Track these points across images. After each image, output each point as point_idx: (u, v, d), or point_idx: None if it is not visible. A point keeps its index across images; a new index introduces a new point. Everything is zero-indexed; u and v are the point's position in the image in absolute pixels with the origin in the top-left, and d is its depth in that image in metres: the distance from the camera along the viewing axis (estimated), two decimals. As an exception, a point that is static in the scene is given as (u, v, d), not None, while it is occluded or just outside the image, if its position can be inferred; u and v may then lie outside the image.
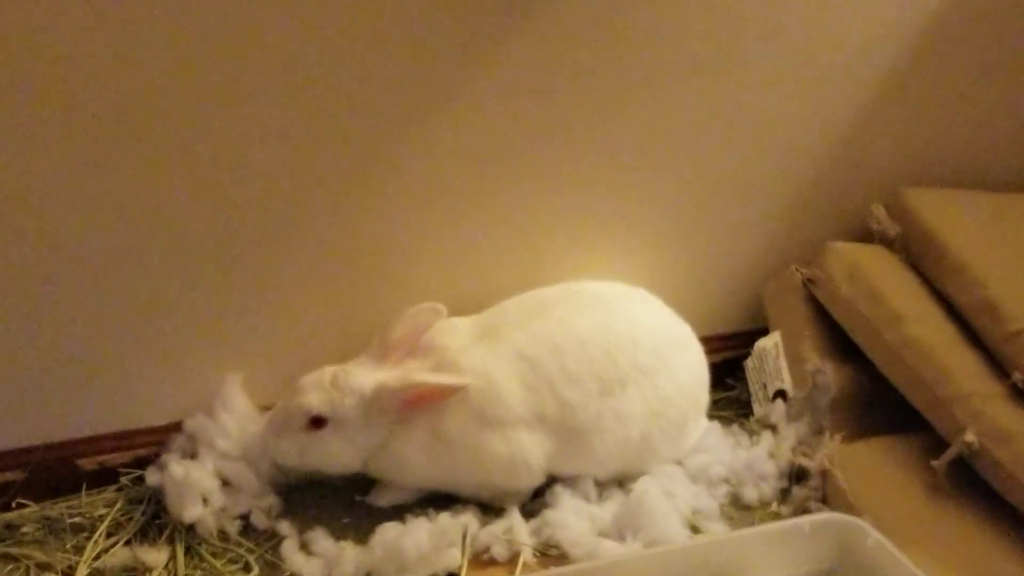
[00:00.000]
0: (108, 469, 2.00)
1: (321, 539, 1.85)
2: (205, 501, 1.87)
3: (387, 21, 1.86)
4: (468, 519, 1.88)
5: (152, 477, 1.93)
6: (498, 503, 1.94)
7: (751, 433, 2.14)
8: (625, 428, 1.96)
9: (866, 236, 2.27)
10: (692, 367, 2.09)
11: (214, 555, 1.84)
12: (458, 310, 1.99)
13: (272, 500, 1.93)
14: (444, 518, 1.86)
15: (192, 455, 1.94)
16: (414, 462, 1.90)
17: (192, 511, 1.85)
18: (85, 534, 1.89)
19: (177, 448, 1.97)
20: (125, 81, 1.77)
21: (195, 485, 1.86)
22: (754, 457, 2.03)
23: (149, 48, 1.76)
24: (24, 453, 1.96)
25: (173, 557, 1.83)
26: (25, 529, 1.90)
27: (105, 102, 1.77)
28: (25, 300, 1.87)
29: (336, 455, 1.88)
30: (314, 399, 1.85)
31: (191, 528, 1.87)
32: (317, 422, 1.85)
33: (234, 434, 1.96)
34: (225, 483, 1.91)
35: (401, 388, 1.83)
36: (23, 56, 1.70)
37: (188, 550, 1.85)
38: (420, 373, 1.87)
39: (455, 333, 1.95)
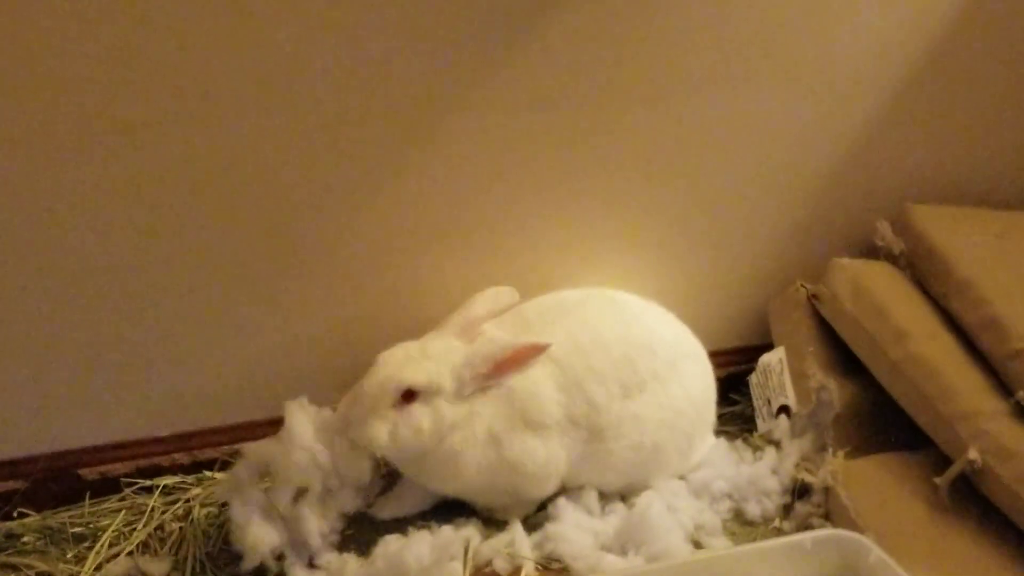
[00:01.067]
0: (110, 479, 2.00)
1: (324, 551, 1.85)
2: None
3: (393, 36, 1.86)
4: (470, 532, 1.88)
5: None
6: (507, 513, 1.94)
7: (755, 448, 2.14)
8: (640, 433, 1.96)
9: (871, 253, 2.27)
10: (703, 381, 2.10)
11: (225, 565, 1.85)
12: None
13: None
14: (446, 531, 1.86)
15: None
16: (467, 462, 1.87)
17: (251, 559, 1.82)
18: (87, 544, 1.90)
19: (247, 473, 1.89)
20: (130, 87, 1.77)
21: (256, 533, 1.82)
22: (757, 473, 2.03)
23: (157, 55, 1.76)
24: (26, 462, 1.96)
25: (178, 569, 1.83)
26: (26, 538, 1.90)
27: (107, 107, 1.78)
28: (27, 310, 1.88)
29: (427, 430, 1.82)
30: (408, 371, 1.80)
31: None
32: (409, 396, 1.81)
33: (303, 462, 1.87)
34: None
35: (499, 349, 1.84)
36: (26, 62, 1.71)
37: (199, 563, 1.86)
38: (505, 337, 1.88)
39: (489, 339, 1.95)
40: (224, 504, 1.91)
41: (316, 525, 1.84)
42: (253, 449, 1.88)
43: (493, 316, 1.94)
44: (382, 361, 1.83)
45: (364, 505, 1.96)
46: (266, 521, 1.82)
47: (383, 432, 1.80)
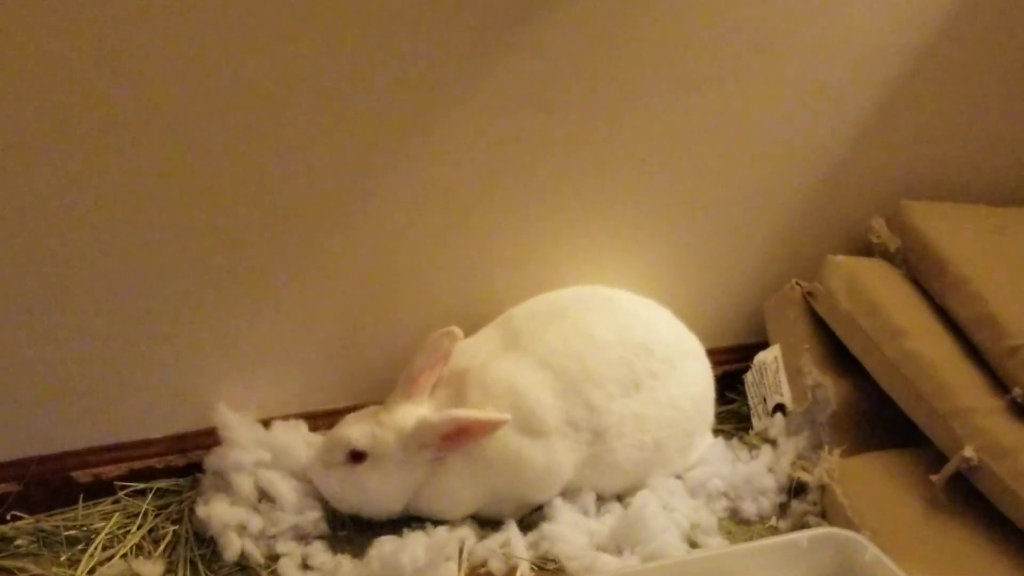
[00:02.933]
0: (103, 481, 1.99)
1: (319, 553, 1.85)
2: (242, 529, 1.86)
3: (389, 35, 1.86)
4: (465, 533, 1.87)
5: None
6: (511, 516, 1.93)
7: (750, 447, 2.14)
8: (642, 432, 1.96)
9: (866, 250, 2.27)
10: (702, 379, 2.10)
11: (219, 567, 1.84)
12: (461, 322, 1.98)
13: (315, 515, 1.91)
14: (441, 532, 1.86)
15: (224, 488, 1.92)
16: (460, 491, 1.89)
17: (231, 550, 1.84)
18: (80, 547, 1.88)
19: (207, 487, 1.94)
20: (125, 87, 1.76)
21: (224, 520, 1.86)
22: (753, 471, 2.03)
23: (154, 57, 1.76)
24: (19, 465, 1.95)
25: (171, 571, 1.83)
26: (19, 542, 1.89)
27: (102, 110, 1.77)
28: (19, 312, 1.87)
29: (374, 492, 1.86)
30: (354, 432, 1.85)
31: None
32: (356, 456, 1.85)
33: (249, 446, 1.94)
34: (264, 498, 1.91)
35: (442, 423, 1.82)
36: (25, 62, 1.70)
37: (192, 565, 1.85)
38: (462, 409, 1.86)
39: (473, 353, 1.95)
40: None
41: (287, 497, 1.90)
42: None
43: (440, 363, 1.92)
44: (344, 419, 1.91)
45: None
46: (233, 505, 1.88)
47: (334, 484, 1.87)
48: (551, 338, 1.93)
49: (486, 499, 1.92)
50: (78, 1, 1.68)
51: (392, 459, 1.85)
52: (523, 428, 1.87)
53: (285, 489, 1.90)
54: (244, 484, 1.89)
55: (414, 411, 1.87)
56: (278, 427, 1.99)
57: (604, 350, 1.94)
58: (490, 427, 1.83)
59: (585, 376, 1.91)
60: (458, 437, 1.83)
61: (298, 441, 1.98)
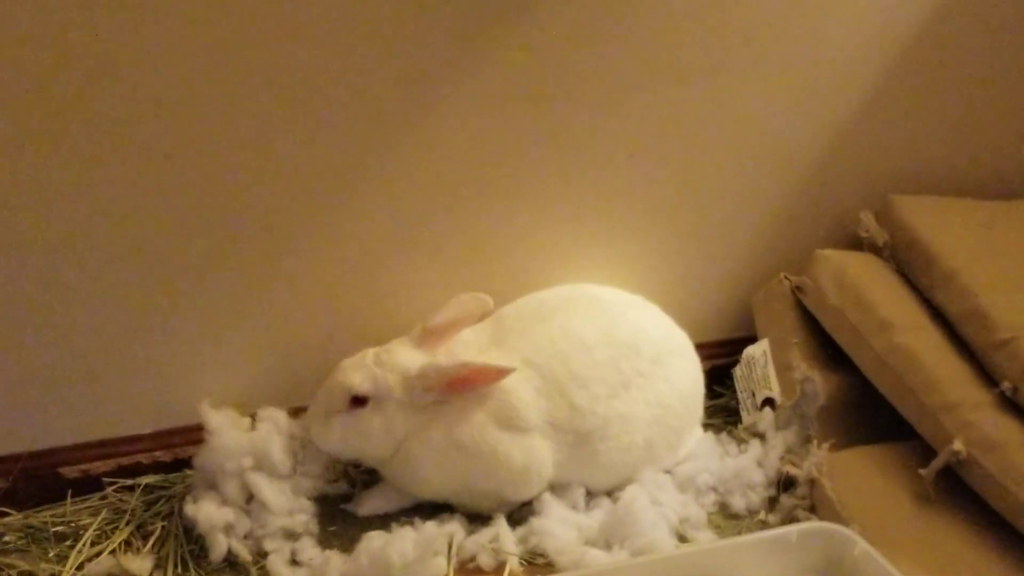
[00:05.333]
0: (91, 477, 1.99)
1: (307, 548, 1.85)
2: (229, 529, 1.86)
3: (378, 27, 1.86)
4: (454, 528, 1.87)
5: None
6: (492, 512, 1.93)
7: (739, 441, 2.14)
8: (629, 433, 1.96)
9: (855, 244, 2.27)
10: (690, 375, 2.10)
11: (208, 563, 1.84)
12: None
13: (304, 517, 1.91)
14: (430, 527, 1.85)
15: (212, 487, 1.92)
16: (428, 467, 1.89)
17: (218, 550, 1.84)
18: (68, 543, 1.88)
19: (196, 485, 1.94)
20: (116, 86, 1.76)
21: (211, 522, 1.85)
22: (742, 465, 2.03)
23: (147, 56, 1.76)
24: (7, 461, 1.95)
25: (160, 567, 1.82)
26: (7, 538, 1.89)
27: (91, 108, 1.77)
28: (8, 309, 1.86)
29: (376, 436, 1.86)
30: (356, 377, 1.84)
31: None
32: (358, 401, 1.84)
33: (234, 448, 1.93)
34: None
35: (451, 367, 1.82)
36: (24, 61, 1.70)
37: (181, 561, 1.85)
38: (470, 354, 1.87)
39: (464, 346, 1.94)
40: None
41: (275, 501, 1.89)
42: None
43: (461, 324, 1.93)
44: (340, 366, 1.88)
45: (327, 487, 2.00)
46: (221, 506, 1.87)
47: (333, 434, 1.86)
48: (538, 339, 1.93)
49: (457, 488, 1.91)
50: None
51: (395, 400, 1.84)
52: (503, 423, 1.87)
53: (272, 492, 1.89)
54: (231, 486, 1.89)
55: (419, 357, 1.86)
56: (263, 426, 1.97)
57: (591, 351, 1.94)
58: (495, 374, 1.83)
59: (570, 377, 1.91)
60: (462, 383, 1.83)
61: (284, 440, 1.97)
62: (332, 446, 1.88)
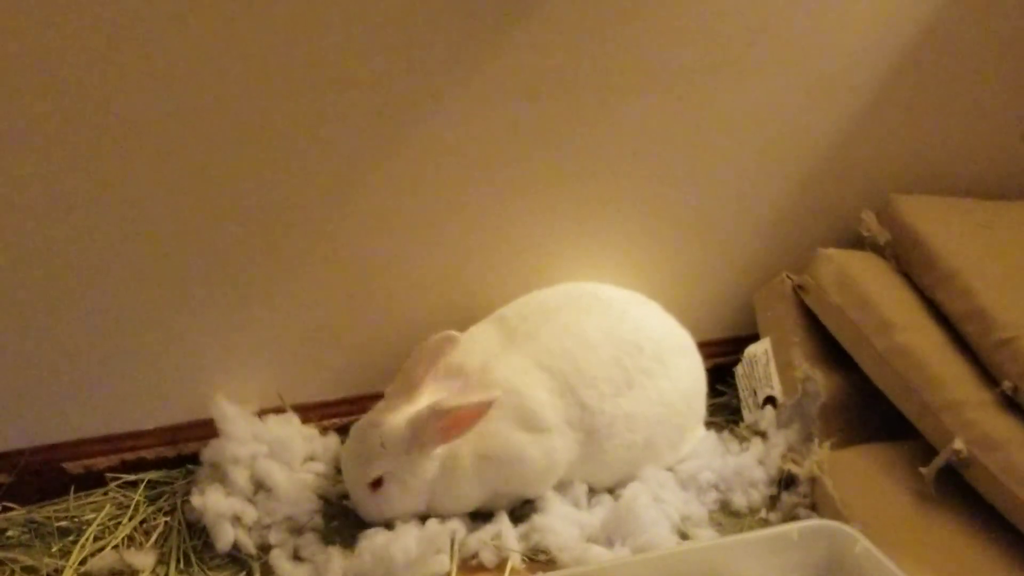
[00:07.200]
0: (95, 472, 1.99)
1: (310, 545, 1.85)
2: (236, 519, 1.87)
3: (377, 27, 1.86)
4: (456, 525, 1.87)
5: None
6: (505, 508, 1.94)
7: (741, 439, 2.14)
8: (633, 431, 1.96)
9: (856, 243, 2.27)
10: (693, 373, 2.10)
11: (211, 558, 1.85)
12: (452, 314, 1.99)
13: (310, 507, 1.93)
14: (432, 524, 1.85)
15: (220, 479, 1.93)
16: (464, 488, 1.89)
17: (224, 540, 1.84)
18: (72, 538, 1.88)
19: (202, 478, 1.96)
20: (114, 84, 1.76)
21: (218, 511, 1.86)
22: (743, 463, 2.03)
23: (147, 57, 1.76)
24: (10, 456, 1.95)
25: (163, 562, 1.83)
26: (11, 533, 1.89)
27: (96, 107, 1.77)
28: (11, 304, 1.87)
29: (404, 503, 1.87)
30: (361, 473, 1.86)
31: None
32: (376, 484, 1.85)
33: (246, 439, 1.96)
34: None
35: (434, 415, 1.81)
36: (24, 60, 1.70)
37: (184, 556, 1.85)
38: (448, 398, 1.84)
39: (469, 348, 1.94)
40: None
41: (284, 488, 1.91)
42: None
43: (437, 365, 1.90)
44: (346, 455, 1.91)
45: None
46: (228, 496, 1.89)
47: (378, 513, 1.88)
48: (545, 339, 1.93)
49: (490, 495, 1.92)
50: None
51: (404, 468, 1.84)
52: (525, 426, 1.88)
53: (281, 479, 1.91)
54: (240, 475, 1.90)
55: (408, 414, 1.85)
56: (272, 420, 2.00)
57: (595, 350, 1.94)
58: (481, 409, 1.81)
59: (578, 376, 1.92)
60: (456, 426, 1.82)
61: (293, 434, 1.99)
62: (384, 519, 1.88)
